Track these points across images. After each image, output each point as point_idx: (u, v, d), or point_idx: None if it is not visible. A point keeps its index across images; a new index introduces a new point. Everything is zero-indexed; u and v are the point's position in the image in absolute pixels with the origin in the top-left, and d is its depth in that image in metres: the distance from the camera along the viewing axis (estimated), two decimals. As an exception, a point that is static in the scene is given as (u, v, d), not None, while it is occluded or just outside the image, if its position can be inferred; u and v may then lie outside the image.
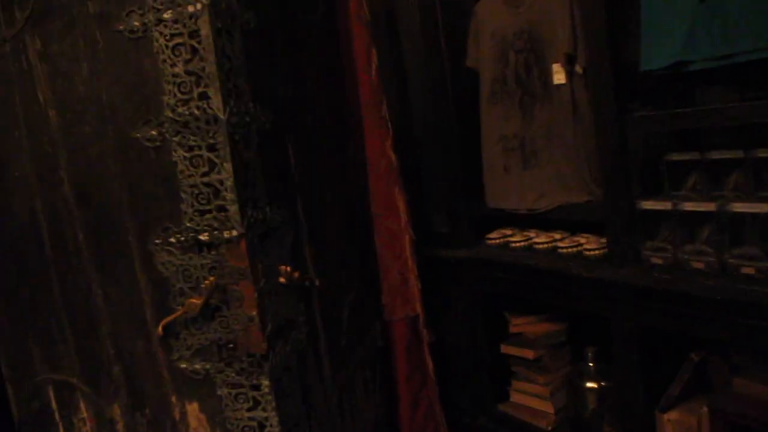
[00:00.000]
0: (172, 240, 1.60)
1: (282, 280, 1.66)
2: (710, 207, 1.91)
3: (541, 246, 2.38)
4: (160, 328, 1.61)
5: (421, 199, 2.69)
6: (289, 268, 1.64)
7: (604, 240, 2.21)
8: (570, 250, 2.27)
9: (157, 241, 1.61)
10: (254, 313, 1.57)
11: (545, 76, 2.21)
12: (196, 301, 1.56)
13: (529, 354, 2.58)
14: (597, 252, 2.19)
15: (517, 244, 2.46)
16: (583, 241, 2.29)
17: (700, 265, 1.92)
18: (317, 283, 1.83)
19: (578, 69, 2.11)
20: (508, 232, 2.58)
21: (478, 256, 2.55)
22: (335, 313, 2.01)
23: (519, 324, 2.66)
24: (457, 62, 2.50)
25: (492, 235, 2.58)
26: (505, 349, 2.65)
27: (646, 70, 1.89)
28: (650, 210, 2.02)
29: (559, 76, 2.12)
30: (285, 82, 1.88)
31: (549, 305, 2.54)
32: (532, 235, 2.48)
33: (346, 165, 2.22)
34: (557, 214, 2.31)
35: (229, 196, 1.54)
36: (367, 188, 2.32)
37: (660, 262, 2.02)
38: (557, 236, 2.39)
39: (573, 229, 2.39)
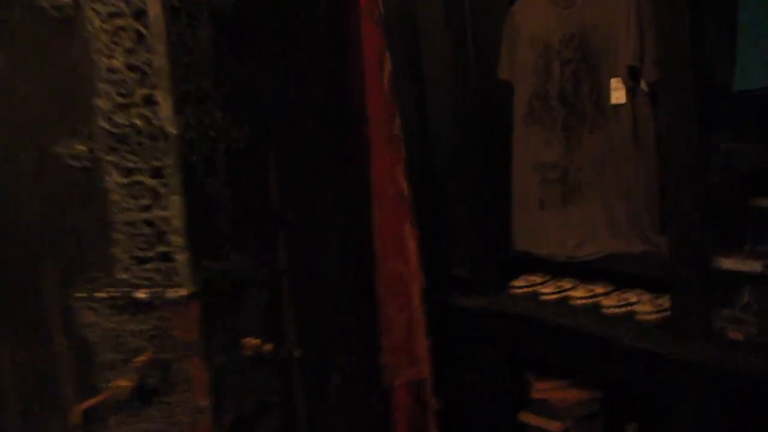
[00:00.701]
0: (101, 295, 1.17)
1: (248, 353, 1.22)
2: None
3: (579, 301, 1.94)
4: (76, 415, 1.17)
5: (435, 235, 2.25)
6: (258, 341, 1.20)
7: (661, 302, 1.77)
8: (617, 310, 1.83)
9: (80, 295, 1.18)
10: (206, 403, 1.13)
11: (599, 93, 1.78)
12: (125, 384, 1.12)
13: (556, 426, 2.12)
14: (654, 316, 1.75)
15: (549, 296, 2.02)
16: (633, 299, 1.84)
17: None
18: (298, 354, 1.39)
19: (643, 86, 1.68)
20: (538, 279, 2.14)
21: (501, 307, 2.11)
22: (322, 387, 1.57)
23: (543, 389, 2.20)
24: (488, 72, 2.07)
25: (518, 283, 2.14)
26: (525, 417, 2.20)
27: (741, 91, 1.46)
28: (730, 270, 1.58)
29: (618, 94, 1.69)
30: (271, 87, 1.44)
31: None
32: (566, 285, 2.04)
33: (348, 195, 1.78)
34: (602, 263, 1.87)
35: (177, 240, 1.12)
36: (370, 223, 1.89)
37: (740, 337, 1.58)
38: (599, 290, 1.95)
39: (618, 282, 1.94)
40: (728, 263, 1.58)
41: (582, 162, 1.86)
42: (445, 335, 2.18)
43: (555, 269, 2.06)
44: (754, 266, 1.53)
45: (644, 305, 1.77)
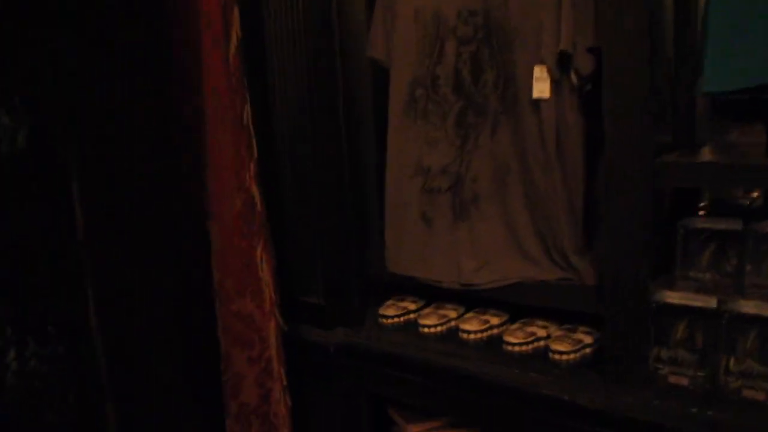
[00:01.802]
0: None
1: None
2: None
3: (471, 336, 1.58)
4: None
5: (279, 251, 1.76)
6: None
7: (580, 337, 1.47)
8: (524, 348, 1.50)
9: None
10: None
11: (506, 83, 1.42)
12: None
13: (430, 476, 1.77)
14: (572, 356, 1.44)
15: (431, 329, 1.64)
16: (541, 333, 1.53)
17: (757, 396, 1.25)
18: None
19: (573, 78, 1.33)
20: (411, 305, 1.75)
21: (366, 343, 1.70)
22: None
23: (414, 432, 1.84)
24: (354, 49, 1.62)
25: (388, 311, 1.74)
26: (393, 467, 1.83)
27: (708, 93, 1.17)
28: (671, 304, 1.32)
29: (541, 87, 1.33)
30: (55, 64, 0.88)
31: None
32: (451, 314, 1.68)
33: (175, 214, 1.25)
34: (506, 293, 1.53)
35: None
36: (208, 250, 1.36)
37: (684, 383, 1.32)
38: (494, 320, 1.61)
39: (515, 310, 1.62)
40: (673, 296, 1.31)
41: (481, 168, 1.49)
42: (295, 379, 1.72)
43: (432, 290, 1.68)
44: (708, 302, 1.28)
45: (559, 342, 1.46)
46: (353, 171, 1.67)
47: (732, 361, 1.30)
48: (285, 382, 1.49)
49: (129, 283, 1.13)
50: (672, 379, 1.35)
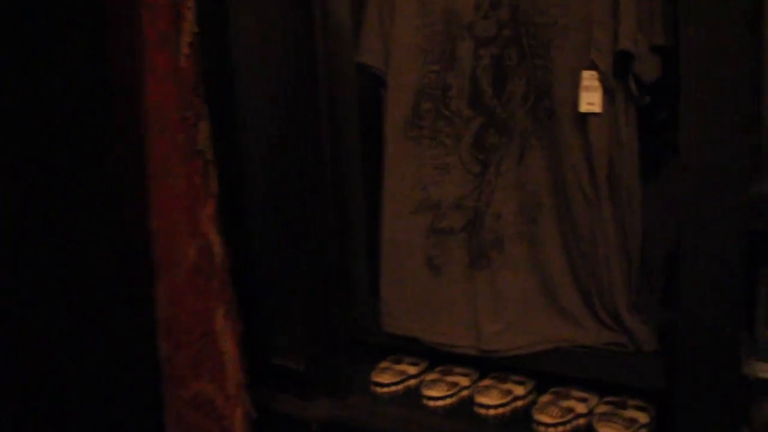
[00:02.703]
0: None
1: None
2: None
3: (491, 412, 1.26)
4: None
5: (250, 308, 1.42)
6: None
7: (631, 413, 1.16)
8: (560, 429, 1.18)
9: None
10: None
11: (541, 94, 1.11)
12: None
13: None
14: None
15: (438, 403, 1.31)
16: (581, 409, 1.21)
17: None
18: None
19: (632, 85, 1.02)
20: (411, 369, 1.42)
21: (357, 418, 1.36)
22: None
23: None
24: (340, 52, 1.29)
25: (383, 377, 1.40)
26: None
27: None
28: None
29: (591, 98, 1.02)
30: None
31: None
32: (463, 382, 1.35)
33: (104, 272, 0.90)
34: (536, 360, 1.20)
35: None
36: (152, 319, 1.02)
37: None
38: (518, 390, 1.29)
39: (541, 375, 1.29)
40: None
41: (505, 202, 1.17)
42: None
43: (435, 352, 1.35)
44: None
45: (608, 424, 1.13)
46: (339, 208, 1.34)
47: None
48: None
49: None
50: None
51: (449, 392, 1.31)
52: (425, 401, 1.32)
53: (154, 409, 1.06)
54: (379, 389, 1.38)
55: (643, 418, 1.15)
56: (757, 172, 0.98)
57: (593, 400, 1.23)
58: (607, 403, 1.21)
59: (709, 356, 0.98)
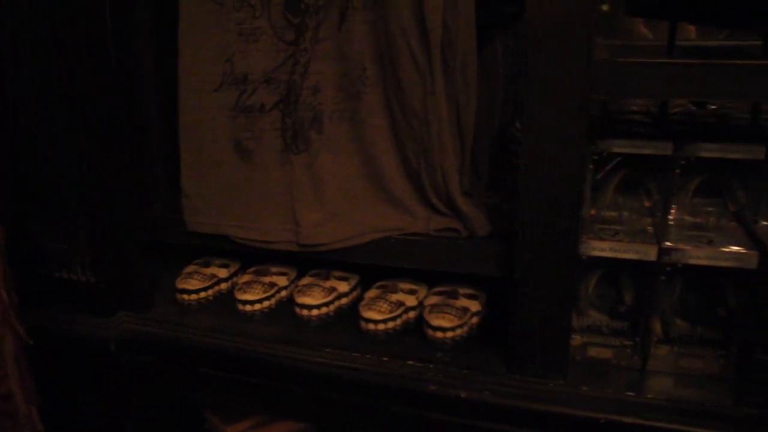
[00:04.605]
0: None
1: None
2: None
3: (314, 312, 1.14)
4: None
5: (19, 212, 1.17)
6: None
7: (462, 301, 1.09)
8: (390, 325, 1.10)
9: None
10: None
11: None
12: None
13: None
14: (457, 332, 1.06)
15: (254, 307, 1.17)
16: (410, 302, 1.13)
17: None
18: None
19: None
20: (221, 272, 1.26)
21: (162, 333, 1.20)
22: None
23: (232, 433, 1.38)
24: None
25: (189, 283, 1.23)
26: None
27: None
28: (597, 257, 0.98)
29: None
30: None
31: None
32: (279, 281, 1.22)
33: None
34: (362, 252, 1.09)
35: None
36: None
37: (608, 356, 1.01)
38: (342, 287, 1.18)
39: (368, 269, 1.19)
40: (600, 247, 0.96)
41: (324, 73, 1.01)
42: (62, 395, 1.19)
43: (249, 251, 1.19)
44: (646, 252, 0.95)
45: (439, 314, 1.06)
46: (127, 93, 1.10)
47: (661, 324, 1.01)
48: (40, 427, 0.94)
49: None
50: (593, 353, 1.03)
51: (266, 294, 1.18)
52: (239, 306, 1.18)
53: None
54: (185, 297, 1.21)
55: (474, 306, 1.09)
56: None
57: (423, 291, 1.15)
58: (437, 293, 1.13)
59: (548, 239, 0.92)
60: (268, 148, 1.07)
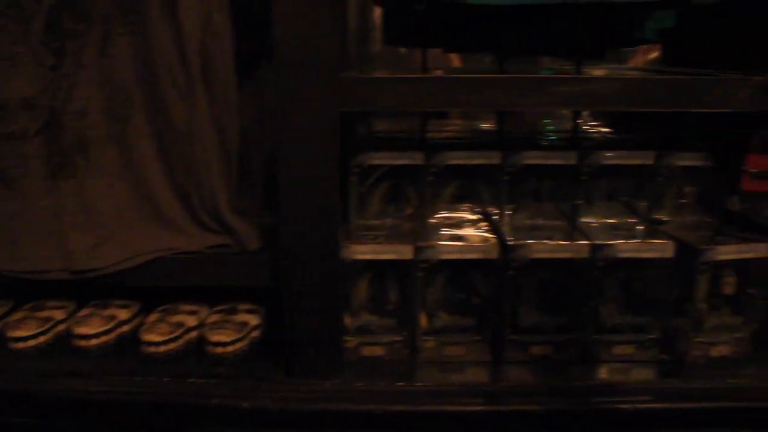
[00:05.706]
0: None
1: None
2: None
3: (93, 342, 1.12)
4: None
5: None
6: None
7: (241, 316, 1.14)
8: (171, 346, 1.11)
9: None
10: None
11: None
12: None
13: None
14: (237, 346, 1.10)
15: (27, 344, 1.13)
16: (191, 322, 1.14)
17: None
18: None
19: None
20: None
21: None
22: None
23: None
24: None
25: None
26: None
27: None
28: (359, 261, 1.06)
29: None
30: None
31: None
32: (56, 315, 1.18)
33: None
34: (138, 276, 1.09)
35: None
36: None
37: (380, 353, 1.09)
38: (122, 314, 1.17)
39: (148, 295, 1.19)
40: (360, 250, 1.05)
41: (89, 99, 1.03)
42: None
43: (26, 287, 1.15)
44: (402, 252, 1.05)
45: (219, 331, 1.09)
46: None
47: (428, 318, 1.11)
48: None
49: None
50: (366, 352, 1.10)
51: (40, 329, 1.13)
52: (12, 344, 1.12)
53: None
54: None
55: (253, 320, 1.14)
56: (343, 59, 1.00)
57: (204, 311, 1.17)
58: (217, 312, 1.16)
59: (308, 247, 0.98)
60: (34, 175, 1.05)
